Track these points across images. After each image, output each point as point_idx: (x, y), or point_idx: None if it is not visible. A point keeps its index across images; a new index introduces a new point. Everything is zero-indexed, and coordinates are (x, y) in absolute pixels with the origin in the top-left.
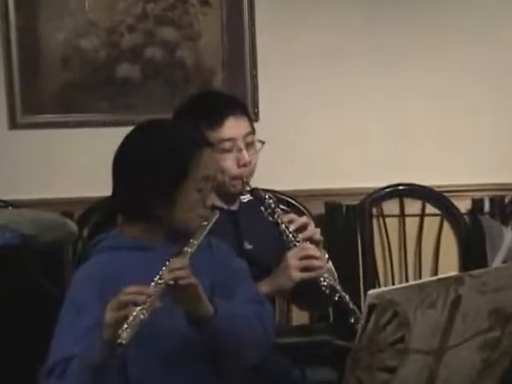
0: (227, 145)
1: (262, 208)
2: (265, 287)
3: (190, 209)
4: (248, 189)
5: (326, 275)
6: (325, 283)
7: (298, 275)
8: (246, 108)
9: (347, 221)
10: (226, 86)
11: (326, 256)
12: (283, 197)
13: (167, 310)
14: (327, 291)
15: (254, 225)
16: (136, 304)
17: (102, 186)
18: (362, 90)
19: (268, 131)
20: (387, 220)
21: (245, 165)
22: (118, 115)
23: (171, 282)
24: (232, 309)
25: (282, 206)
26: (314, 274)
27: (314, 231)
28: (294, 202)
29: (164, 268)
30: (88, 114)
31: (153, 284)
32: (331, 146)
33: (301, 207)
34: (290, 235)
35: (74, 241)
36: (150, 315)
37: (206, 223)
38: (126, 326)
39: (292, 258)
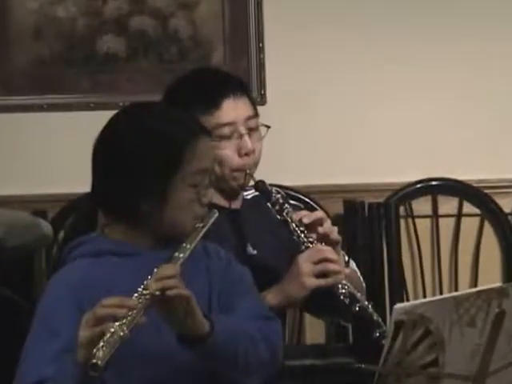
0: (226, 130)
1: (269, 204)
2: (273, 298)
3: (182, 207)
4: (252, 183)
5: (344, 281)
6: (343, 291)
7: (311, 282)
8: (246, 87)
9: (370, 222)
10: (228, 63)
11: (346, 258)
12: (293, 193)
13: (154, 326)
14: (346, 301)
15: (259, 225)
16: (115, 319)
17: (81, 180)
18: (387, 72)
19: (276, 116)
20: (417, 221)
21: (247, 154)
22: (99, 97)
23: (158, 293)
24: (231, 325)
25: (292, 202)
26: (331, 281)
27: (330, 229)
28: (306, 199)
29: (150, 276)
30: (65, 95)
31: (136, 295)
32: (351, 135)
33: (315, 206)
34: (302, 235)
35: (48, 245)
36: (131, 332)
37: (201, 224)
38: (101, 343)
39: (304, 261)
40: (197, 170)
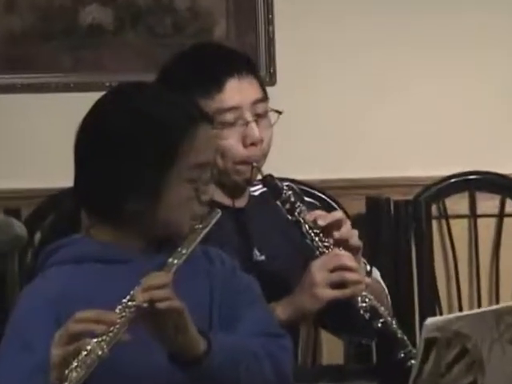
0: (229, 116)
1: (279, 203)
2: (282, 311)
3: (178, 206)
4: (259, 177)
5: (365, 293)
6: (363, 304)
7: (326, 293)
8: (254, 66)
9: (396, 223)
10: (232, 39)
11: (368, 267)
12: (307, 189)
13: (140, 343)
14: (367, 315)
15: (267, 227)
16: (92, 335)
17: (61, 173)
18: (419, 51)
19: (287, 99)
20: (452, 222)
21: (254, 144)
22: (82, 76)
23: (145, 305)
24: (231, 343)
25: (306, 199)
26: (349, 292)
27: (349, 233)
28: (322, 196)
29: (138, 286)
30: (43, 74)
31: (119, 307)
32: (375, 121)
33: (332, 204)
34: (316, 238)
35: (22, 248)
36: (112, 350)
37: (200, 226)
38: (75, 364)
39: (319, 269)
40: (195, 162)
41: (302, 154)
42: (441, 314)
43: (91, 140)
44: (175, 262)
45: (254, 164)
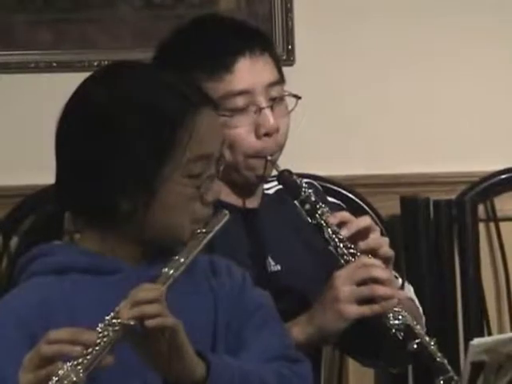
0: (239, 102)
1: (297, 203)
2: (300, 331)
3: (177, 206)
4: (274, 173)
5: (397, 309)
6: (396, 322)
7: (352, 310)
8: (269, 42)
9: (436, 226)
10: (242, 9)
11: (400, 281)
12: (331, 186)
13: (128, 367)
14: (400, 335)
15: (283, 231)
16: (67, 358)
17: (41, 168)
18: (454, 35)
19: (308, 81)
20: (502, 225)
21: (268, 134)
22: (65, 54)
23: (132, 323)
24: (237, 368)
25: (330, 199)
26: (379, 309)
27: (378, 241)
28: (348, 194)
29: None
30: (18, 51)
31: (101, 325)
32: (410, 109)
33: (361, 204)
34: (341, 245)
35: None
36: (91, 376)
37: (203, 230)
38: None
39: (344, 282)
40: (197, 154)
41: (324, 146)
42: (489, 334)
43: (75, 129)
44: (171, 272)
45: (269, 157)
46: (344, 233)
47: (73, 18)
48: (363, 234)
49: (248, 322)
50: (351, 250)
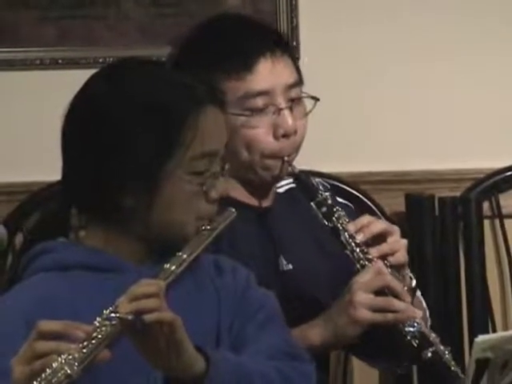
0: (259, 102)
1: (313, 205)
2: (316, 334)
3: (181, 203)
4: (290, 172)
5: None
6: (411, 329)
7: (367, 317)
8: (288, 44)
9: (442, 223)
10: (247, 8)
11: (414, 283)
12: (335, 183)
13: (128, 362)
14: (415, 342)
15: (294, 230)
16: (59, 352)
17: (46, 165)
18: (465, 26)
19: (313, 78)
20: (507, 222)
21: (286, 135)
22: (70, 51)
23: (130, 318)
24: (238, 364)
25: (340, 200)
26: (393, 319)
27: (394, 246)
28: (353, 192)
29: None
30: (22, 48)
31: (99, 319)
32: (415, 104)
33: (366, 201)
34: (358, 249)
35: (1, 252)
36: (87, 371)
37: (208, 228)
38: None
39: (361, 289)
40: (201, 151)
41: (328, 143)
42: (494, 330)
43: (80, 125)
44: (172, 268)
45: (285, 158)
46: (360, 237)
47: (78, 15)
48: (380, 238)
49: (251, 320)
50: (368, 255)
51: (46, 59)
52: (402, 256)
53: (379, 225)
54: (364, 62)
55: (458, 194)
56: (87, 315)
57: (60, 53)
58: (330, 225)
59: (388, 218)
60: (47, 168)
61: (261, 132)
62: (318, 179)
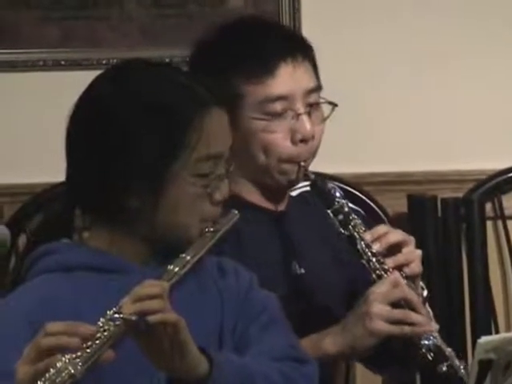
0: (278, 106)
1: (330, 212)
2: (332, 343)
3: (185, 205)
4: (305, 176)
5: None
6: (426, 342)
7: (383, 328)
8: (310, 49)
9: (444, 224)
10: (250, 9)
11: (426, 293)
12: (338, 184)
13: (140, 364)
14: (430, 356)
15: (307, 234)
16: (64, 351)
17: (50, 166)
18: (467, 25)
19: None
20: (510, 223)
21: (304, 140)
22: (73, 52)
23: (133, 318)
24: (241, 365)
25: (350, 205)
26: (409, 332)
27: (409, 256)
28: (356, 192)
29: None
30: (25, 49)
31: (102, 320)
32: (417, 106)
33: (368, 202)
34: (374, 259)
35: (5, 253)
36: (91, 370)
37: (211, 229)
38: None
39: (378, 300)
40: (206, 154)
41: (331, 144)
42: (497, 332)
43: (85, 126)
44: (176, 270)
45: (302, 163)
46: (376, 247)
47: (80, 16)
48: (395, 247)
49: (254, 322)
50: (384, 265)
51: (48, 60)
52: (416, 267)
53: (396, 235)
54: (366, 63)
55: (460, 195)
56: (91, 316)
57: (62, 54)
58: (346, 233)
59: (390, 219)
60: (50, 169)
61: (279, 137)
62: (331, 184)
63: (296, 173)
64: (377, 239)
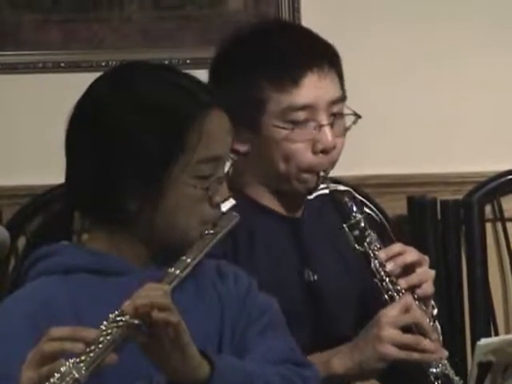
0: (301, 116)
1: (346, 227)
2: (341, 363)
3: (185, 207)
4: (322, 185)
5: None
6: (435, 370)
7: (392, 353)
8: (337, 58)
9: (444, 226)
10: (250, 11)
11: (435, 311)
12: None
13: (138, 368)
14: (438, 383)
15: (321, 240)
16: (69, 356)
17: (50, 168)
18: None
19: None
20: (509, 225)
21: (325, 151)
22: (75, 54)
23: (136, 322)
24: (241, 368)
25: (366, 211)
26: (418, 358)
27: (422, 277)
28: (355, 194)
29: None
30: (25, 51)
31: (105, 324)
32: (417, 108)
33: (369, 205)
34: (387, 279)
35: (4, 255)
36: (94, 374)
37: (211, 232)
38: None
39: (388, 322)
40: (206, 156)
41: None
42: (496, 334)
43: (85, 129)
44: (177, 272)
45: (321, 174)
46: (390, 266)
47: (80, 18)
48: (409, 268)
49: (253, 326)
50: (396, 286)
51: (48, 62)
52: (429, 287)
53: (411, 255)
54: (367, 66)
55: (460, 197)
56: (90, 318)
57: (63, 56)
58: (360, 249)
59: (390, 221)
60: (50, 171)
61: (300, 146)
62: (343, 187)
63: (315, 182)
64: (391, 258)
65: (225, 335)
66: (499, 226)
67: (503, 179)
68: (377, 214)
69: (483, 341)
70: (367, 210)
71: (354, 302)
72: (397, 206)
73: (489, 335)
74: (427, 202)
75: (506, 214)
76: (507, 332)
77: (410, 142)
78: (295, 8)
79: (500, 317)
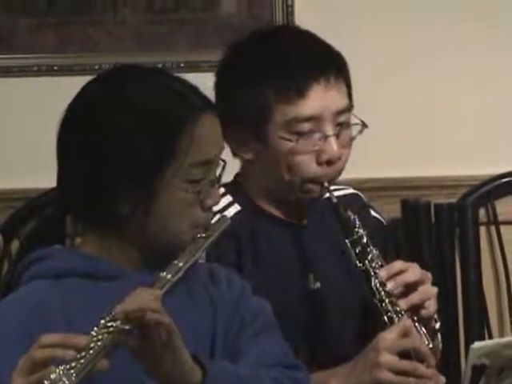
0: (306, 127)
1: (348, 243)
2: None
3: (177, 211)
4: (327, 195)
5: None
6: None
7: (390, 378)
8: (344, 67)
9: (438, 229)
10: (243, 14)
11: (438, 325)
12: None
13: (129, 375)
14: None
15: (324, 247)
16: (59, 363)
17: (43, 171)
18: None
19: None
20: (504, 229)
21: (331, 162)
22: (69, 57)
23: (127, 327)
24: (234, 372)
25: (374, 214)
26: (413, 383)
27: (426, 295)
28: (362, 198)
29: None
30: (19, 54)
31: (95, 329)
32: (411, 111)
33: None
34: (386, 300)
35: None
36: (85, 380)
37: (203, 235)
38: None
39: (385, 347)
40: (198, 160)
41: None
42: (490, 337)
43: (77, 132)
44: (168, 277)
45: (326, 184)
46: (391, 285)
47: (75, 22)
48: (411, 286)
49: (246, 329)
50: (396, 307)
51: (42, 66)
52: (431, 306)
53: (412, 274)
54: (361, 68)
55: (454, 200)
56: (82, 323)
57: (57, 59)
58: (361, 267)
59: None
60: (43, 175)
61: (305, 158)
62: (351, 190)
63: (319, 192)
64: (392, 277)
65: (217, 338)
66: (493, 229)
67: (497, 182)
68: None
69: (477, 344)
70: (373, 213)
71: (356, 311)
72: (391, 210)
73: (483, 338)
74: (421, 206)
75: (500, 218)
76: (501, 335)
77: (403, 146)
78: (289, 12)
79: (494, 320)
